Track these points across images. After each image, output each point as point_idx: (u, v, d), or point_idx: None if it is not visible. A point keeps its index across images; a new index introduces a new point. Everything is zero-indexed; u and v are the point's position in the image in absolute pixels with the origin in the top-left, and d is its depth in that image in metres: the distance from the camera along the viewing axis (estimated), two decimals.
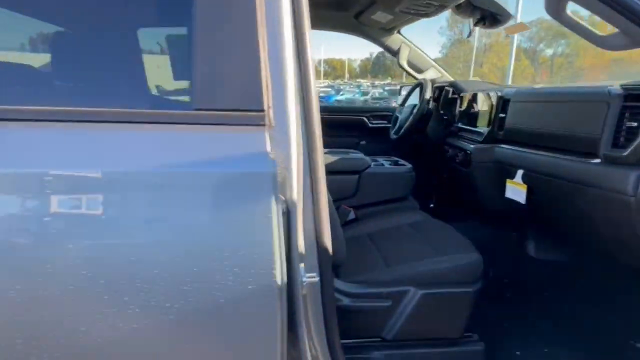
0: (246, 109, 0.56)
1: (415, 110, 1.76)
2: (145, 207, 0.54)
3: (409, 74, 1.99)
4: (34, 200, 0.51)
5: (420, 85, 1.86)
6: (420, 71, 1.98)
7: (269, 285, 0.56)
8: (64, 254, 0.51)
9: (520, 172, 1.10)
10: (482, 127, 1.40)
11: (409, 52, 1.94)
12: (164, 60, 0.77)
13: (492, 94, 1.37)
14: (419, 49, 1.97)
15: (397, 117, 1.94)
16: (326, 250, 0.64)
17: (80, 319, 0.53)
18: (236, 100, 0.57)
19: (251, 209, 0.55)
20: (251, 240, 0.55)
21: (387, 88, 16.16)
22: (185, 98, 0.62)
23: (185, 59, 0.63)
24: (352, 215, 1.35)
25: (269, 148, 0.55)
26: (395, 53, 1.95)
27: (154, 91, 0.74)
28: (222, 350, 0.60)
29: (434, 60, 2.04)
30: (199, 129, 0.57)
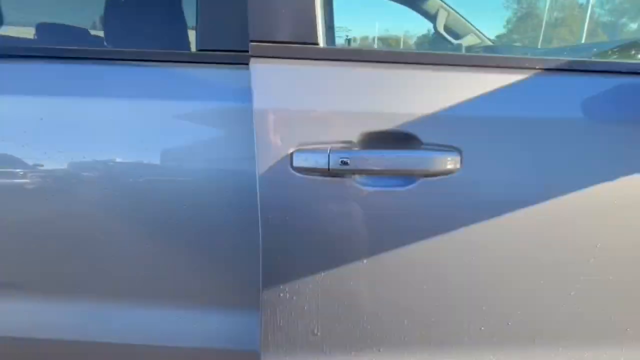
0: (236, 49, 0.66)
1: None
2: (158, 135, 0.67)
3: (446, 40, 2.04)
4: None
5: None
6: (458, 37, 2.02)
7: (250, 211, 0.64)
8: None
9: None
10: None
11: (447, 17, 1.99)
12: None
13: None
14: (459, 14, 2.01)
15: None
16: None
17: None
18: (229, 42, 0.67)
19: (234, 139, 0.64)
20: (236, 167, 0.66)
21: None
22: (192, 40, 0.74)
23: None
24: None
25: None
26: (432, 18, 2.01)
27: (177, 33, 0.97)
28: (211, 268, 0.73)
29: (498, 36, 2.06)
30: (201, 67, 0.68)
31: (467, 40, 1.99)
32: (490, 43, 1.98)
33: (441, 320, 0.69)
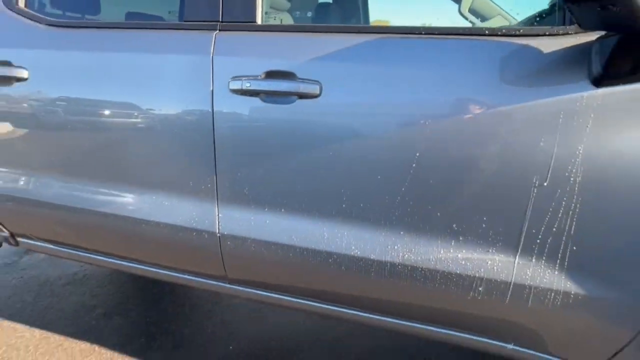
0: (208, 20, 1.16)
1: None
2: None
3: (471, 23, 2.23)
4: None
5: None
6: (484, 19, 2.19)
7: (208, 125, 1.15)
8: None
9: None
10: None
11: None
12: None
13: None
14: None
15: None
16: None
17: None
18: (205, 14, 1.18)
19: (203, 72, 1.13)
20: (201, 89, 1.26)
21: None
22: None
23: None
24: None
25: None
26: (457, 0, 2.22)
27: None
28: (184, 169, 1.21)
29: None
30: (187, 33, 1.18)
31: (493, 22, 2.15)
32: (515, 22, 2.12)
33: (311, 192, 1.10)
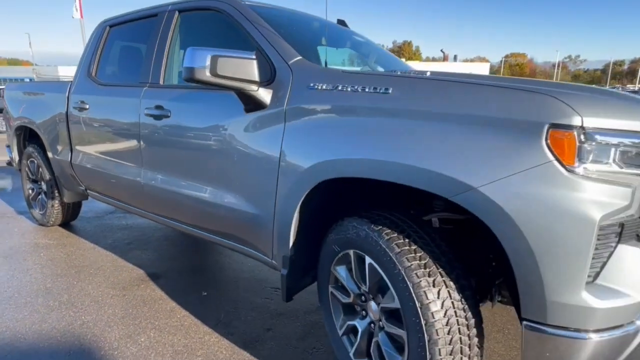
0: (145, 82, 2.56)
1: None
2: None
3: None
4: None
5: None
6: None
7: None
8: None
9: None
10: None
11: None
12: None
13: None
14: None
15: None
16: None
17: None
18: (144, 79, 2.57)
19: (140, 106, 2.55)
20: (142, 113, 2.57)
21: None
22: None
23: None
24: None
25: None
26: None
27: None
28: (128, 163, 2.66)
29: None
30: (137, 88, 2.60)
31: None
32: None
33: (169, 161, 2.27)
